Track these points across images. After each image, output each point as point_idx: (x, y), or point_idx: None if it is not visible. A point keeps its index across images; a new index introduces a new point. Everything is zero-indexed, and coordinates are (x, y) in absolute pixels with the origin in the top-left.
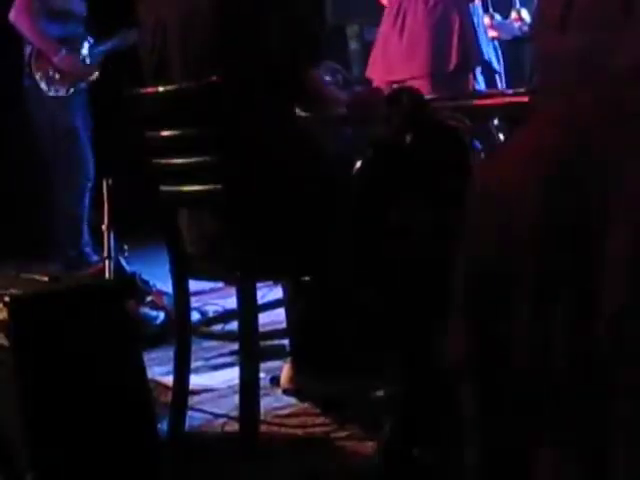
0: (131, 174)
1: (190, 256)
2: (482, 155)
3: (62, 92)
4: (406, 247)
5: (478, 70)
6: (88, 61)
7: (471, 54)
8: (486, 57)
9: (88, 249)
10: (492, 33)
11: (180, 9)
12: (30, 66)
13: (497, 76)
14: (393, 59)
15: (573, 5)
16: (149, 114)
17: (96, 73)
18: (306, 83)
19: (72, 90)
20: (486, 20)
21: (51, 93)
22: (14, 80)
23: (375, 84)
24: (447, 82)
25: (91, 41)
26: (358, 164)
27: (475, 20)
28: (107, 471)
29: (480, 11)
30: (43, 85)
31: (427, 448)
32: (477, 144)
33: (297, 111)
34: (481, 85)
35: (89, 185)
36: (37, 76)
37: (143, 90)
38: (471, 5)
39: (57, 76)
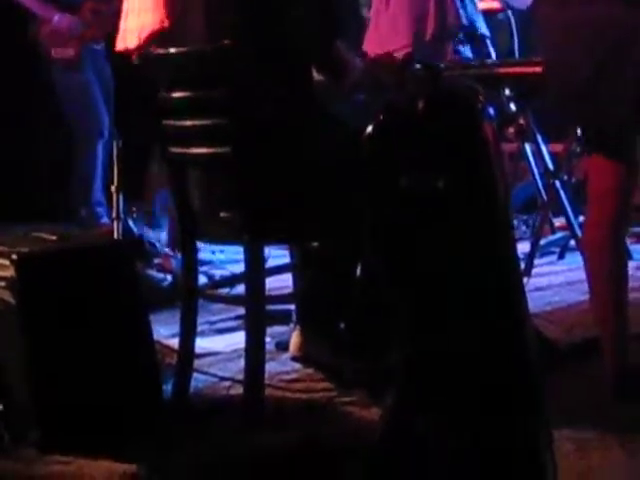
0: (142, 135)
1: (198, 218)
2: (495, 123)
3: (70, 53)
4: (417, 215)
5: (463, 39)
6: None
7: (448, 22)
8: (465, 22)
9: (100, 209)
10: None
11: None
12: (36, 33)
13: (488, 41)
14: (382, 32)
15: None
16: (161, 75)
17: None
18: (334, 55)
19: (80, 51)
20: None
21: (58, 55)
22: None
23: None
24: (426, 51)
25: None
26: (369, 129)
27: None
28: (111, 432)
29: None
30: (50, 50)
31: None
32: (490, 112)
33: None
34: (467, 53)
35: (100, 142)
36: (43, 41)
37: (156, 52)
38: None
39: (59, 39)
